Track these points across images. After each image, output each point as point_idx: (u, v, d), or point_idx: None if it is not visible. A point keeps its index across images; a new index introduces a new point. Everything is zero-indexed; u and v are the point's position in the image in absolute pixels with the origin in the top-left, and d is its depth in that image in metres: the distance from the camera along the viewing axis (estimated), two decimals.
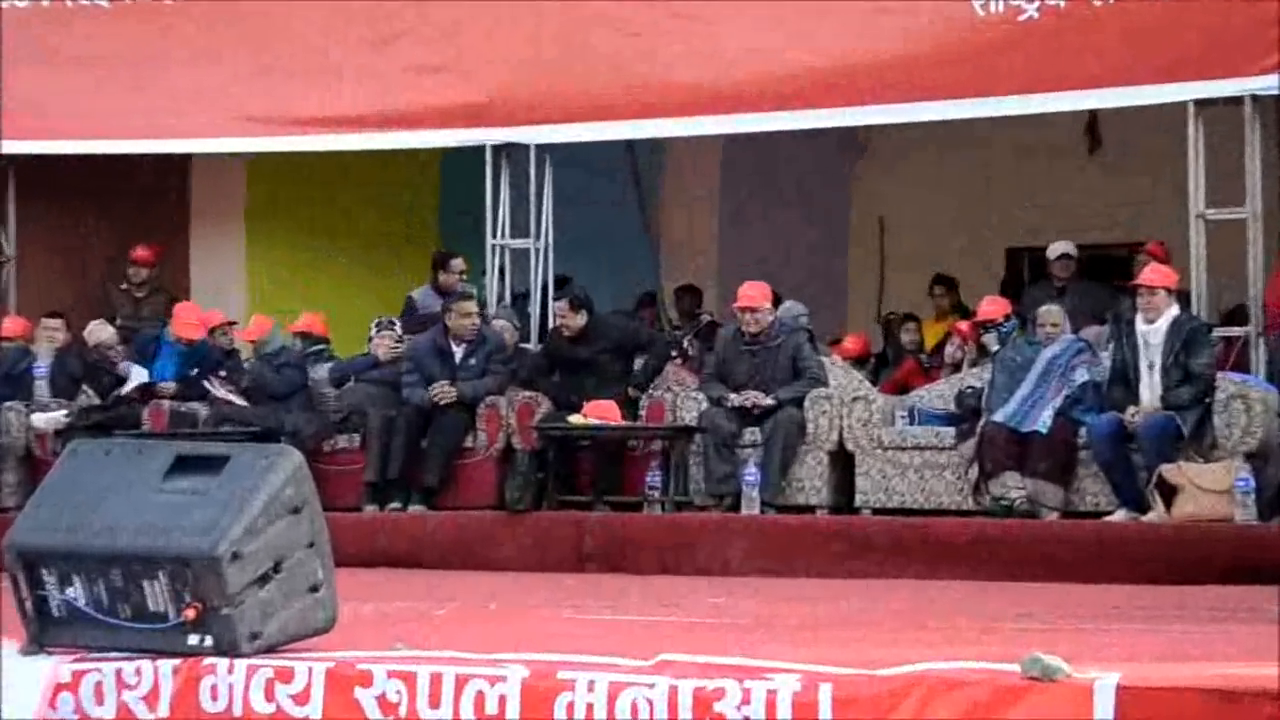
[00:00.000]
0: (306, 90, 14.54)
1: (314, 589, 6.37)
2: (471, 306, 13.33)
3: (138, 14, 15.01)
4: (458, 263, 14.34)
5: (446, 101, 14.20)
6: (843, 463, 12.35)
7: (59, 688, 6.30)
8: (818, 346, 13.40)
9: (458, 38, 14.23)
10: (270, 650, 6.22)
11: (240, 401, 13.80)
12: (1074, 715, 5.36)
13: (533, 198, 14.03)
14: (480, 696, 5.90)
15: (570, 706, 5.80)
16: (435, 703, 5.95)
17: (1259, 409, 11.40)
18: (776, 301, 13.30)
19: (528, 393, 13.06)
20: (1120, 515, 11.42)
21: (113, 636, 6.33)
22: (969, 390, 12.32)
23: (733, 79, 13.41)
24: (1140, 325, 11.66)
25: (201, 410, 13.90)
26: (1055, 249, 14.27)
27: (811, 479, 12.35)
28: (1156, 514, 11.14)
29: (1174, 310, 11.67)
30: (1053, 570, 10.85)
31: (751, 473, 12.15)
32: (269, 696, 6.10)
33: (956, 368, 13.39)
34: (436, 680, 5.97)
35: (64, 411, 14.16)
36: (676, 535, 12.15)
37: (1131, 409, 11.49)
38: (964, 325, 13.66)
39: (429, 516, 12.83)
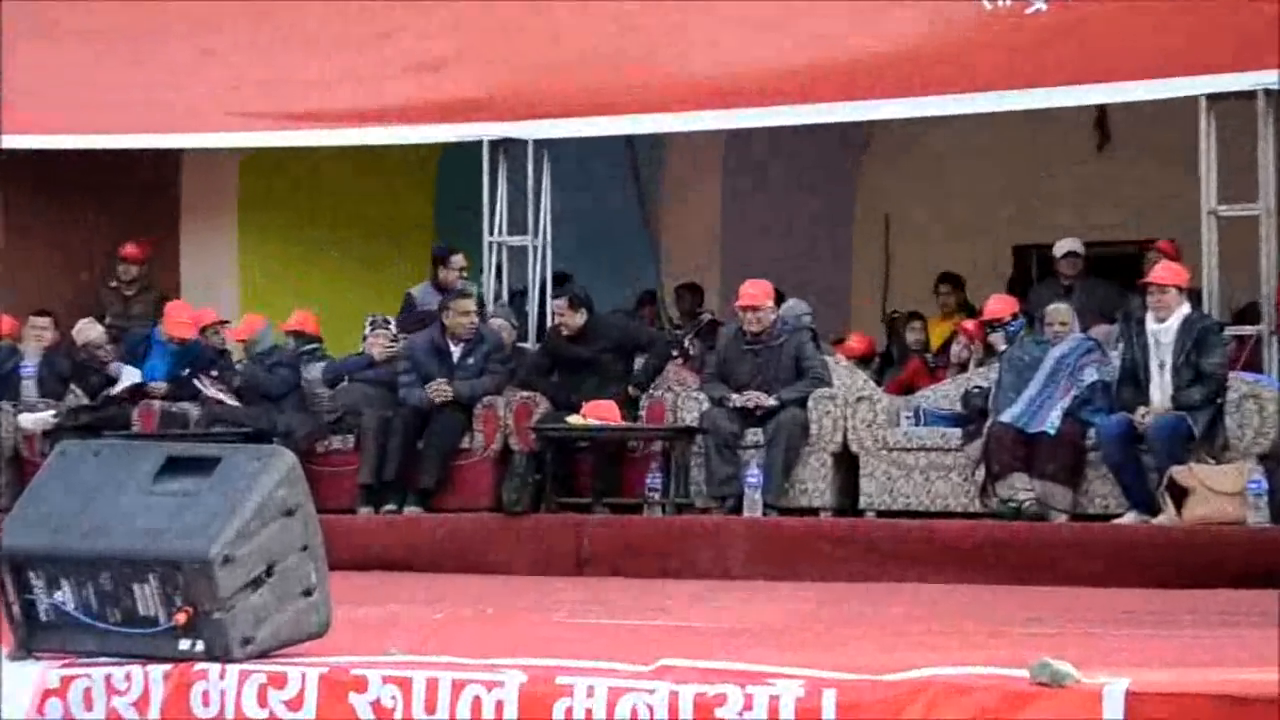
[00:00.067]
0: (301, 85, 14.55)
1: (307, 593, 6.37)
2: (469, 305, 13.32)
3: (130, 5, 15.03)
4: (458, 259, 14.28)
5: (443, 96, 14.21)
6: (847, 464, 12.35)
7: (47, 694, 6.30)
8: (821, 346, 13.40)
9: (455, 32, 14.24)
10: (263, 655, 6.22)
11: (232, 401, 13.81)
12: None
13: (531, 194, 14.03)
14: (477, 702, 5.90)
15: (569, 712, 5.80)
16: (431, 709, 5.95)
17: (1272, 409, 11.40)
18: (779, 300, 13.30)
19: (525, 393, 13.05)
20: (1130, 518, 11.42)
21: (102, 641, 6.32)
22: (975, 390, 12.32)
23: (734, 73, 13.41)
24: (1150, 324, 11.66)
25: (193, 411, 13.90)
26: (1062, 246, 14.28)
27: (815, 481, 12.35)
28: (1167, 516, 11.14)
29: (1185, 308, 11.67)
30: (1061, 574, 10.85)
31: (754, 474, 12.15)
32: (262, 702, 6.10)
33: (963, 367, 13.39)
34: (432, 686, 5.97)
35: (52, 412, 14.16)
36: (677, 538, 12.14)
37: (1141, 409, 11.49)
38: (970, 324, 13.66)
39: (425, 519, 12.83)
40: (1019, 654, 5.92)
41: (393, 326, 13.99)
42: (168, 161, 16.29)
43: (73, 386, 14.56)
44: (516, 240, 14.16)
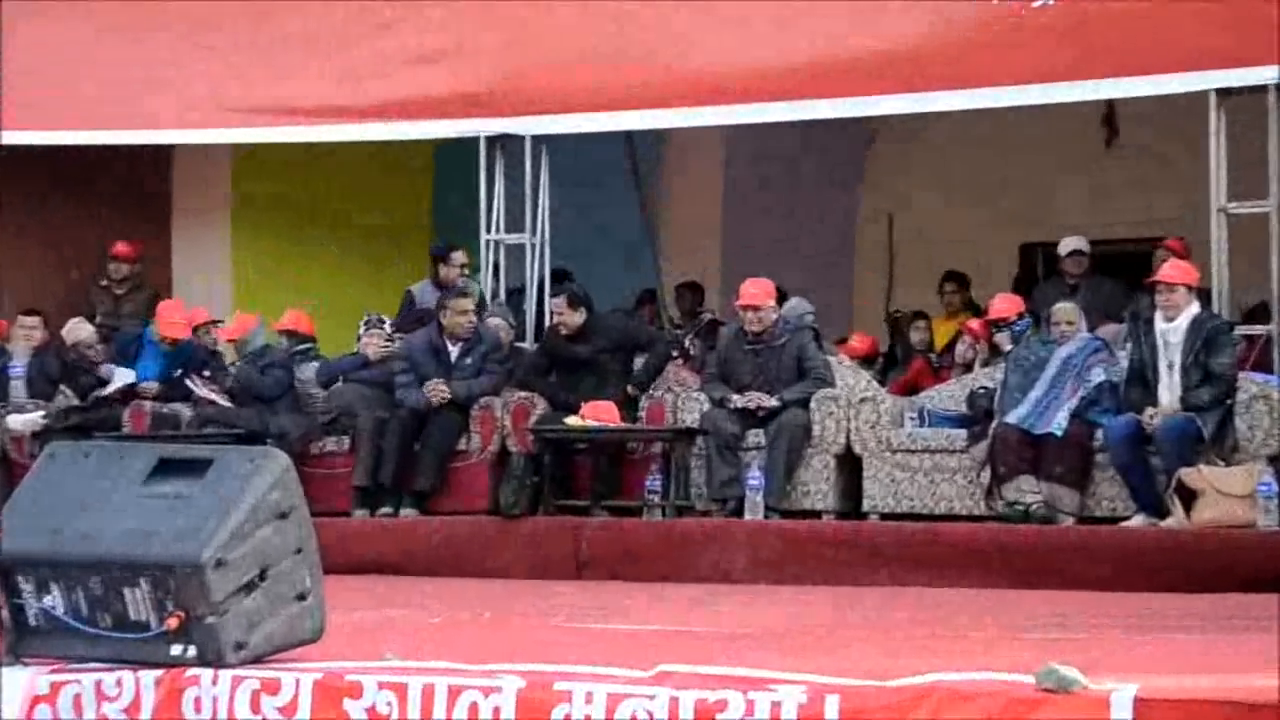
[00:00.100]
0: (295, 79, 14.55)
1: (301, 597, 6.37)
2: (467, 304, 13.30)
3: (122, 2, 15.04)
4: (458, 255, 14.24)
5: (440, 91, 14.21)
6: (850, 466, 12.36)
7: (36, 700, 6.30)
8: (824, 345, 13.40)
9: (451, 26, 14.25)
10: (256, 661, 6.22)
11: (225, 402, 13.79)
12: None
13: (528, 191, 14.03)
14: (474, 708, 5.90)
15: (567, 718, 5.80)
16: (427, 715, 5.95)
17: None
18: (781, 299, 13.30)
19: (523, 393, 13.05)
20: (1138, 521, 11.42)
21: (92, 646, 6.32)
22: (981, 391, 12.32)
23: (736, 68, 13.41)
24: (1159, 323, 11.66)
25: (185, 412, 13.90)
26: (1066, 245, 14.28)
27: (817, 483, 12.35)
28: (1176, 519, 11.14)
29: (1194, 308, 11.67)
30: (1068, 578, 10.85)
31: (755, 477, 12.15)
32: (255, 709, 6.10)
33: (968, 368, 13.39)
34: (429, 692, 5.97)
35: (41, 413, 14.16)
36: (677, 541, 12.14)
37: (1150, 410, 11.49)
38: (976, 323, 13.66)
39: (421, 522, 12.83)
40: (1025, 659, 5.92)
41: (388, 326, 13.99)
42: (159, 158, 16.29)
43: (62, 387, 14.56)
44: (514, 238, 14.16)
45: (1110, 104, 15.54)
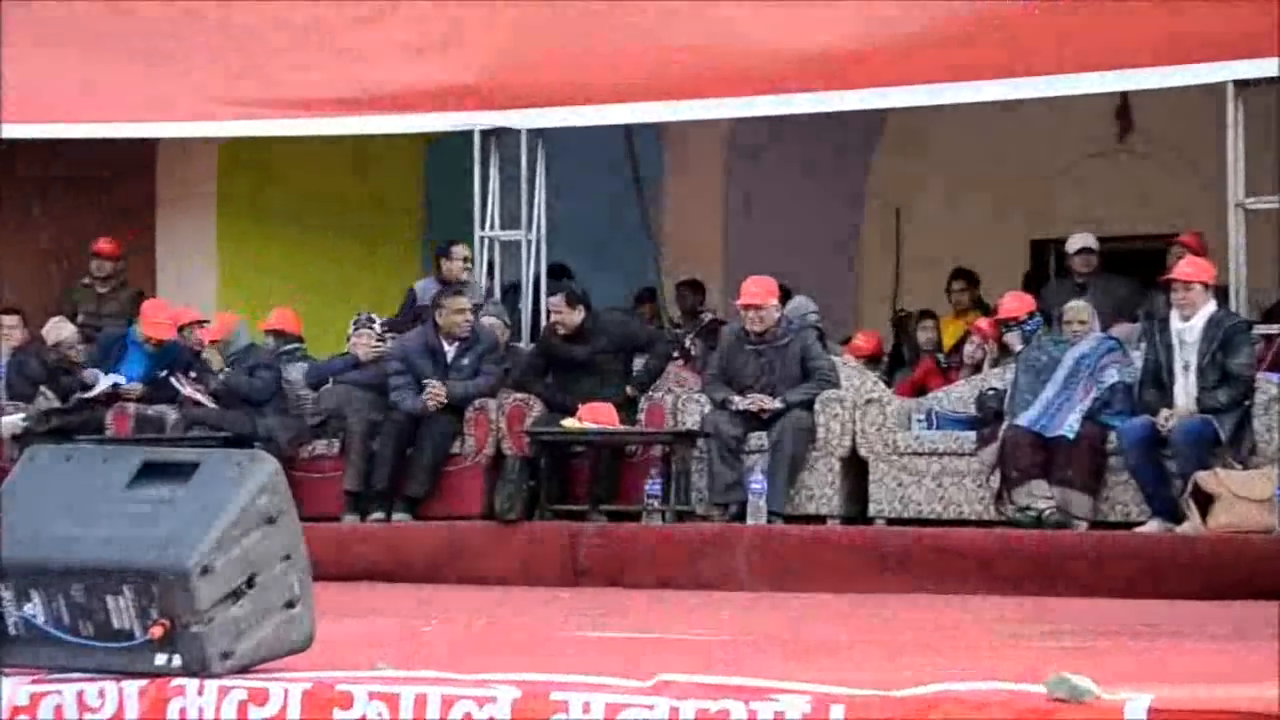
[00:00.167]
0: (283, 71, 14.55)
1: (290, 604, 6.37)
2: (464, 302, 13.29)
3: None
4: (460, 249, 14.17)
5: (432, 82, 14.21)
6: (855, 470, 12.37)
7: (16, 711, 6.30)
8: (828, 345, 13.41)
9: (444, 15, 14.24)
10: (243, 670, 6.22)
11: (210, 403, 13.77)
12: None
13: (524, 186, 14.03)
14: (468, 718, 5.91)
15: None
16: None
17: None
18: (785, 297, 13.31)
19: (519, 395, 13.06)
20: (1153, 526, 11.43)
21: (74, 656, 6.32)
22: (990, 392, 12.33)
23: (739, 59, 13.41)
24: (1175, 323, 11.67)
25: (170, 414, 13.89)
26: (1075, 242, 14.29)
27: (822, 487, 12.36)
28: (1191, 525, 11.15)
29: (1211, 306, 11.68)
30: (1080, 585, 10.86)
31: (758, 480, 12.16)
32: (242, 719, 6.11)
33: (977, 368, 13.39)
34: (421, 702, 5.97)
35: (21, 415, 14.16)
36: (677, 547, 12.16)
37: (1165, 412, 11.50)
38: (985, 323, 13.67)
39: (413, 527, 12.85)
40: (1036, 668, 5.92)
41: (378, 325, 13.98)
42: (142, 151, 16.29)
43: (43, 389, 14.55)
44: (509, 235, 14.17)
45: (1124, 96, 15.55)
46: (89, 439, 12.99)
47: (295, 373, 13.99)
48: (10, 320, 14.82)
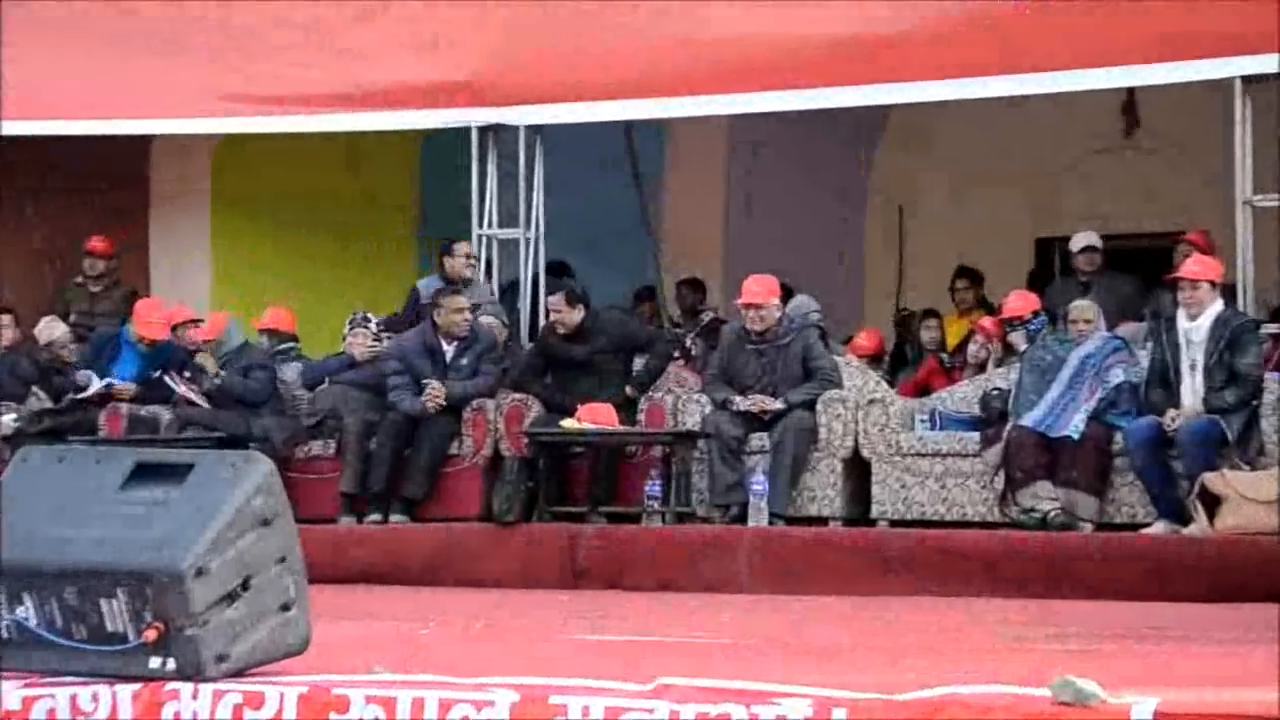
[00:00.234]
0: (278, 67, 14.55)
1: (285, 607, 6.37)
2: (462, 301, 13.28)
3: None
4: (462, 247, 14.13)
5: (428, 79, 14.21)
6: (858, 471, 12.37)
7: (8, 715, 6.30)
8: (830, 345, 13.41)
9: (441, 11, 14.24)
10: (238, 674, 6.23)
11: (205, 403, 13.77)
12: None
13: (522, 184, 14.03)
14: None
15: None
16: None
17: None
18: (787, 296, 13.31)
19: (517, 395, 13.06)
20: (1159, 528, 11.43)
21: (67, 659, 6.32)
22: (994, 392, 12.34)
23: (741, 55, 13.42)
24: (1181, 322, 11.68)
25: (163, 414, 13.88)
26: (1078, 240, 14.30)
27: (824, 488, 12.37)
28: (1198, 526, 11.15)
29: (1218, 305, 11.69)
30: (1085, 587, 10.87)
31: (759, 482, 12.16)
32: None
33: (981, 368, 13.40)
34: (418, 706, 5.98)
35: (13, 415, 14.15)
36: (678, 549, 12.16)
37: (1171, 412, 11.50)
38: (989, 322, 13.67)
39: (410, 529, 12.85)
40: (1040, 672, 5.93)
41: (374, 325, 13.97)
42: (136, 150, 16.29)
43: (35, 389, 14.55)
44: (507, 233, 14.17)
45: (1130, 92, 15.55)
46: (82, 440, 12.99)
47: (290, 373, 13.98)
48: (3, 320, 14.82)
